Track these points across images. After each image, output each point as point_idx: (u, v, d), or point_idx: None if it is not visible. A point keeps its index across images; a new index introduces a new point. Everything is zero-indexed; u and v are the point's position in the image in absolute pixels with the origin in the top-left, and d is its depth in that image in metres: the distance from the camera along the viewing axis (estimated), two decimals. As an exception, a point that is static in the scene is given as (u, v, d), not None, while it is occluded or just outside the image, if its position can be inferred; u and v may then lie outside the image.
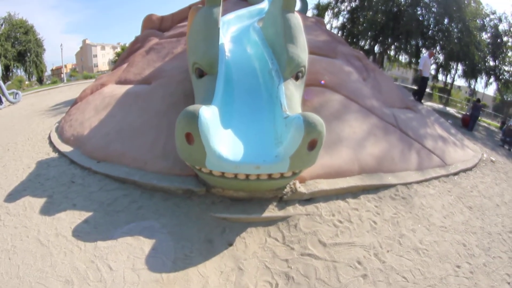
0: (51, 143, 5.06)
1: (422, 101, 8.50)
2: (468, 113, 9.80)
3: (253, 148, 2.70)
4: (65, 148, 4.58)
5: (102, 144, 4.11)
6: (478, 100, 10.96)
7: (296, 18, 3.56)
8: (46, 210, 2.96)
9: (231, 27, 5.23)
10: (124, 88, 5.31)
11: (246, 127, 2.98)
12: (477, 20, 12.73)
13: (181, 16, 7.81)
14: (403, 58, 15.59)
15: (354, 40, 15.45)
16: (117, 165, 3.75)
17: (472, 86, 15.54)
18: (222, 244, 2.57)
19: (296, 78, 3.36)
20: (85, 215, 2.84)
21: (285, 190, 3.06)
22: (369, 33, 13.63)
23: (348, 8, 15.42)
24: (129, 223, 2.78)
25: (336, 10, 15.85)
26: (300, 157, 2.55)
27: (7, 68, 22.27)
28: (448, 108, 14.33)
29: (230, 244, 2.56)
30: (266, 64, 3.56)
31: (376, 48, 15.12)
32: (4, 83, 10.44)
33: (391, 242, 2.64)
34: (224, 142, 2.67)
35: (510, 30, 13.35)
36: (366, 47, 15.40)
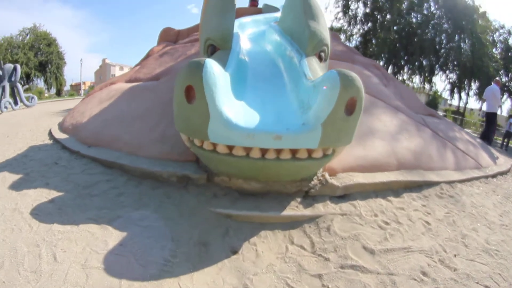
0: (50, 133, 4.29)
1: None
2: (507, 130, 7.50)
3: (272, 115, 1.77)
4: (60, 136, 3.75)
5: (98, 129, 3.25)
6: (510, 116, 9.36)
7: (315, 0, 2.80)
8: (16, 185, 2.39)
9: (247, 29, 4.55)
10: (132, 84, 4.52)
11: (263, 94, 2.11)
12: (487, 36, 11.92)
13: (196, 30, 7.24)
14: (416, 80, 14.53)
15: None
16: (109, 150, 2.85)
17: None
18: (223, 250, 1.58)
19: (320, 58, 2.50)
20: (54, 194, 2.20)
21: (312, 182, 2.04)
22: (383, 54, 12.84)
23: (361, 31, 14.60)
24: (101, 210, 1.90)
25: (348, 33, 15.03)
26: (335, 124, 1.61)
27: (27, 76, 21.81)
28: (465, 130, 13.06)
29: (234, 252, 1.57)
30: (285, 49, 2.78)
31: (390, 70, 14.25)
32: (22, 87, 10.06)
33: (454, 244, 1.93)
34: (234, 106, 1.73)
35: None
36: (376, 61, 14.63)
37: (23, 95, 9.64)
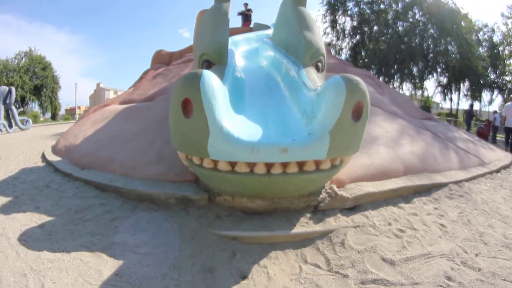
0: (43, 155, 4.19)
1: None
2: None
3: (275, 127, 1.69)
4: (53, 158, 3.64)
5: (91, 150, 3.15)
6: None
7: (308, 11, 2.88)
8: (5, 209, 2.29)
9: (240, 46, 4.59)
10: (126, 106, 4.46)
11: (262, 107, 2.06)
12: (472, 36, 12.34)
13: (189, 51, 7.30)
14: (407, 87, 14.86)
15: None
16: (103, 172, 2.73)
17: (479, 106, 14.48)
18: (231, 275, 1.45)
19: (317, 69, 2.50)
20: (44, 219, 2.09)
21: (321, 196, 1.94)
22: (373, 65, 13.13)
23: (350, 44, 15.00)
24: (95, 236, 1.78)
25: (338, 47, 15.39)
26: (343, 132, 1.55)
27: (23, 100, 21.85)
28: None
29: (244, 276, 1.45)
30: (281, 62, 2.79)
31: (381, 79, 14.59)
32: (17, 110, 10.09)
33: (473, 243, 1.88)
34: (234, 120, 1.66)
35: (504, 39, 12.81)
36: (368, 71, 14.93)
37: (17, 118, 9.68)
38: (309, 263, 1.56)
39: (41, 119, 22.25)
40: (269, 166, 1.56)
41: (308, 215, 1.90)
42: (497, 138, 8.76)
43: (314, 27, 2.71)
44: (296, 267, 1.53)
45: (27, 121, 10.37)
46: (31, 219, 2.08)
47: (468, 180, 3.00)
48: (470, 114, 10.79)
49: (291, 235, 1.70)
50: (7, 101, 9.30)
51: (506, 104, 8.03)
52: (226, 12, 2.80)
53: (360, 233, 1.82)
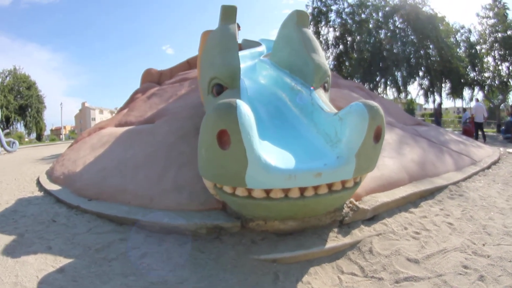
0: (38, 183, 3.99)
1: None
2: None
3: (303, 152, 1.83)
4: (52, 187, 3.49)
5: (96, 179, 3.08)
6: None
7: (312, 33, 3.08)
8: (11, 250, 2.09)
9: None
10: (125, 129, 4.40)
11: (284, 139, 2.14)
12: (451, 38, 13.31)
13: (179, 69, 7.35)
14: (391, 92, 15.77)
15: (344, 83, 15.73)
16: (115, 203, 2.69)
17: (461, 104, 15.62)
18: None
19: (324, 89, 2.70)
20: (62, 261, 1.91)
21: (344, 210, 2.12)
22: (358, 73, 13.78)
23: (334, 54, 15.67)
24: (127, 277, 1.70)
25: None
26: (367, 153, 1.75)
27: (7, 120, 20.99)
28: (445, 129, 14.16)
29: None
30: (286, 83, 2.91)
31: (366, 87, 15.32)
32: (3, 131, 9.69)
33: (479, 235, 2.20)
34: (268, 148, 1.77)
35: (480, 38, 13.90)
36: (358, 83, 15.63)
37: (3, 139, 9.24)
38: (346, 273, 1.72)
39: (26, 139, 21.37)
40: (302, 189, 1.70)
41: (336, 229, 2.06)
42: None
43: (319, 49, 2.87)
44: (335, 278, 1.67)
45: (13, 143, 9.96)
46: (46, 262, 1.91)
47: (464, 179, 3.38)
48: (438, 113, 11.80)
49: (325, 250, 1.84)
50: (-7, 123, 8.96)
51: (475, 104, 10.64)
52: (234, 34, 2.86)
53: (383, 240, 2.03)
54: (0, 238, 2.27)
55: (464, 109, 13.06)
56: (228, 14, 3.05)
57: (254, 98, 2.88)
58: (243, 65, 4.72)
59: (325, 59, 2.94)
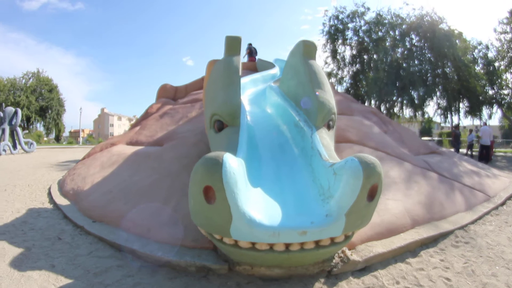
0: (49, 194, 4.34)
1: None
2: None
3: (293, 208, 1.86)
4: (61, 201, 3.77)
5: (102, 202, 3.27)
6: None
7: (318, 65, 3.07)
8: (18, 263, 2.31)
9: (246, 90, 4.76)
10: (134, 148, 4.67)
11: (280, 183, 2.19)
12: (468, 55, 12.82)
13: (194, 86, 7.65)
14: (408, 112, 15.40)
15: (360, 102, 15.49)
16: (116, 229, 2.84)
17: (479, 122, 14.92)
18: None
19: (328, 127, 2.68)
20: (63, 281, 2.09)
21: (334, 260, 2.09)
22: (374, 93, 13.54)
23: (350, 72, 15.60)
24: None
25: (339, 77, 16.01)
26: (358, 212, 1.72)
27: (28, 120, 22.54)
28: (461, 150, 13.34)
29: None
30: (291, 117, 2.92)
31: (382, 107, 14.95)
32: (22, 131, 10.42)
33: None
34: (255, 201, 1.82)
35: (499, 54, 13.30)
36: (372, 107, 15.38)
37: (22, 139, 9.93)
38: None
39: (45, 139, 22.87)
40: (287, 244, 1.72)
41: (322, 280, 2.03)
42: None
43: (325, 83, 2.85)
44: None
45: (31, 144, 10.63)
46: (48, 280, 2.10)
47: (474, 222, 3.15)
48: (455, 136, 11.42)
49: (309, 306, 1.83)
50: (13, 122, 9.57)
51: (482, 127, 11.00)
52: (237, 68, 2.93)
53: (371, 296, 1.95)
54: (9, 249, 2.52)
55: (471, 130, 12.65)
56: (233, 45, 3.12)
57: (256, 134, 2.91)
58: (254, 89, 4.82)
59: (332, 94, 2.88)
